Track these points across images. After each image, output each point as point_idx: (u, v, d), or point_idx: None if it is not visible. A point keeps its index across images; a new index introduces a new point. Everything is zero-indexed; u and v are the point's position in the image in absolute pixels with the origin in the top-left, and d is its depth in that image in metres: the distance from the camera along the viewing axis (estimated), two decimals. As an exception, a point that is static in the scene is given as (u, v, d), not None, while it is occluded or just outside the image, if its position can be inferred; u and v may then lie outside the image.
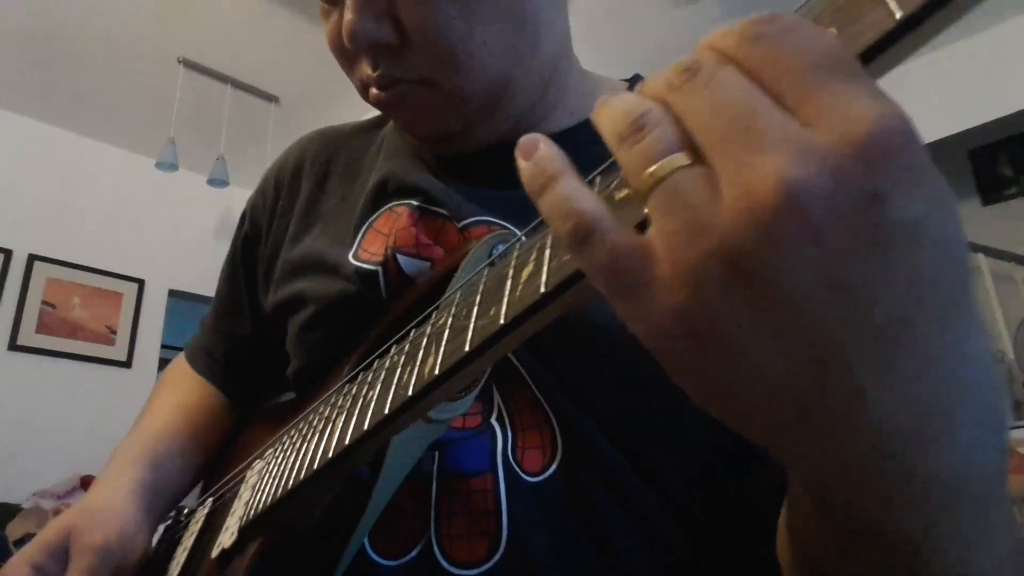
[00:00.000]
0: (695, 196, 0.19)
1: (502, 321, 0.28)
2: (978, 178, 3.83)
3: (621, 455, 0.45)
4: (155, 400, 0.74)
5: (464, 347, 0.30)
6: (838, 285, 0.18)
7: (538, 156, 0.23)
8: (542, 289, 0.26)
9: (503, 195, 0.54)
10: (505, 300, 0.28)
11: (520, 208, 0.52)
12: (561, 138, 0.54)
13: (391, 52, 0.49)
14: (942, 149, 3.39)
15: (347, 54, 0.52)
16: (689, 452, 0.45)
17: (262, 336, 0.69)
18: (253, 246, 0.70)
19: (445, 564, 0.44)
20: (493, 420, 0.48)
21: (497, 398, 0.48)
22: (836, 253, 0.17)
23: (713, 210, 0.18)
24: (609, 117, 0.22)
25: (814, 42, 0.19)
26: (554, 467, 0.45)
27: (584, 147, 0.55)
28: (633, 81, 0.62)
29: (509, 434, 0.47)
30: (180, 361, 0.78)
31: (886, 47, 0.19)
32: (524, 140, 0.24)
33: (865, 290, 0.18)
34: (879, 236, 0.17)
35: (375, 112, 0.70)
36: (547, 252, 0.27)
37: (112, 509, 0.56)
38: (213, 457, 0.70)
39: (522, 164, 0.24)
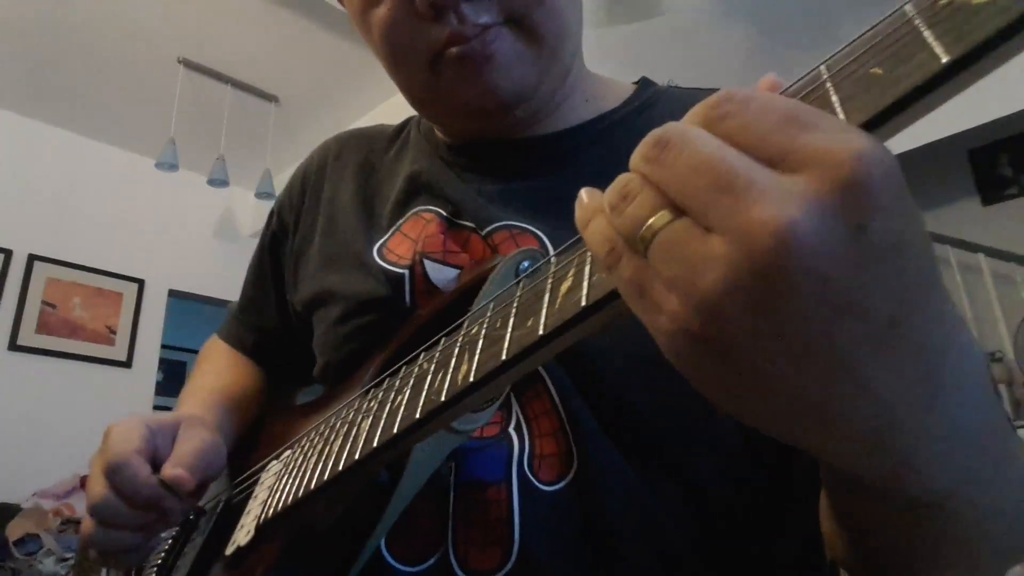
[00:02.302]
0: (687, 247, 0.21)
1: (541, 331, 0.28)
2: (978, 178, 3.83)
3: (641, 459, 0.46)
4: (201, 371, 0.76)
5: (501, 356, 0.30)
6: (839, 305, 0.20)
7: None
8: (583, 302, 0.27)
9: (525, 187, 0.56)
10: (544, 311, 0.29)
11: (538, 201, 0.54)
12: (580, 131, 0.57)
13: None
14: (942, 149, 3.39)
15: (410, 30, 0.51)
16: (720, 447, 0.46)
17: (290, 331, 0.70)
18: (280, 243, 0.72)
19: (460, 572, 0.45)
20: (511, 429, 0.48)
21: (515, 407, 0.49)
22: (832, 280, 0.19)
23: (708, 254, 0.20)
24: (584, 200, 0.26)
25: (774, 104, 0.21)
26: (570, 476, 0.46)
27: (604, 137, 0.57)
28: (641, 83, 0.63)
29: (526, 443, 0.47)
30: (215, 341, 0.80)
31: (930, 89, 0.20)
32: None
33: (863, 304, 0.20)
34: (869, 260, 0.20)
35: (375, 111, 0.71)
36: (587, 268, 0.28)
37: (208, 429, 0.58)
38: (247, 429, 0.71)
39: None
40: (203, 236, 4.06)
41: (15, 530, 2.72)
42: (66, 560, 2.67)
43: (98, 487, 0.50)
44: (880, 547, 0.33)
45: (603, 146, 0.56)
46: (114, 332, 3.70)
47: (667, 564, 0.44)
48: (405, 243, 0.56)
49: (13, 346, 3.37)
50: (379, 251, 0.57)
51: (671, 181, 0.22)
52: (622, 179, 0.24)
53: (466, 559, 0.45)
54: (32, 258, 3.53)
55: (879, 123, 0.21)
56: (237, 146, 3.63)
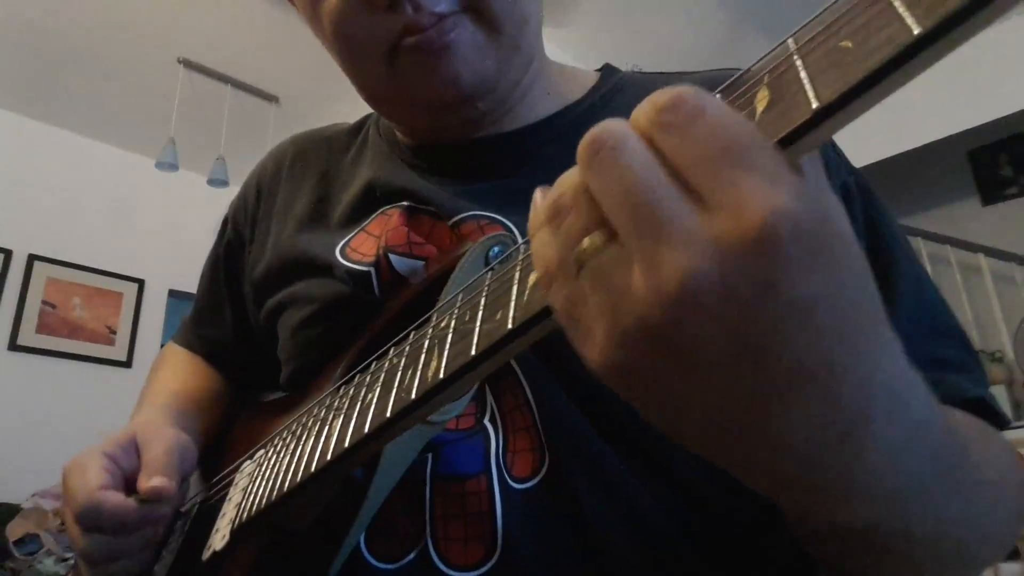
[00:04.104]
0: (614, 277, 0.21)
1: (510, 325, 0.27)
2: (978, 178, 3.83)
3: (626, 451, 0.45)
4: (157, 377, 0.73)
5: (470, 351, 0.29)
6: (740, 350, 0.20)
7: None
8: None
9: (490, 187, 0.54)
10: (512, 304, 0.28)
11: (504, 197, 0.52)
12: (544, 126, 0.56)
13: None
14: (942, 149, 3.39)
15: (362, 21, 0.49)
16: None
17: (247, 343, 0.68)
18: (236, 252, 0.70)
19: (442, 567, 0.44)
20: (486, 421, 0.47)
21: (490, 399, 0.48)
22: (737, 329, 0.20)
23: (630, 288, 0.21)
24: (537, 204, 0.26)
25: (719, 131, 0.20)
26: (542, 473, 0.45)
27: (571, 130, 0.56)
28: (604, 71, 0.62)
29: (501, 436, 0.47)
30: (171, 346, 0.78)
31: (901, 64, 0.19)
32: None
33: (767, 352, 0.20)
34: (773, 315, 0.20)
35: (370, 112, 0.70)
36: None
37: (169, 427, 0.57)
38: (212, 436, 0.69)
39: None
40: (203, 236, 4.04)
41: (15, 530, 2.72)
42: (66, 560, 2.67)
43: (76, 535, 0.49)
44: (828, 556, 0.33)
45: (568, 141, 0.54)
46: (114, 332, 3.69)
47: (654, 556, 0.44)
48: (369, 240, 0.54)
49: (13, 346, 3.37)
50: (342, 251, 0.55)
51: (601, 194, 0.22)
52: (558, 186, 0.24)
53: (448, 554, 0.44)
54: (32, 258, 3.52)
55: (850, 99, 0.20)
56: (237, 146, 3.62)
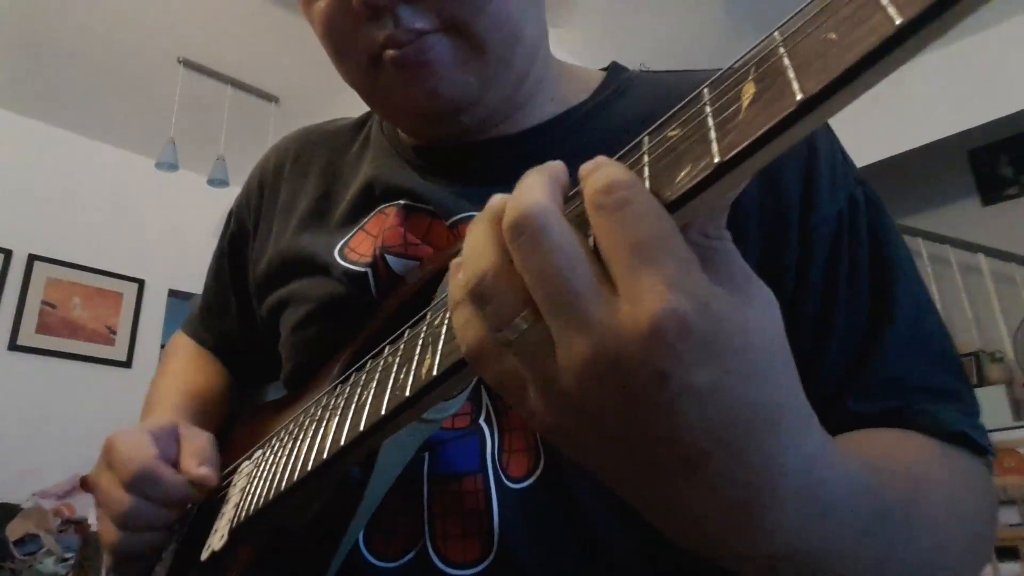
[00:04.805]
0: (539, 353, 0.24)
1: None
2: (978, 178, 3.83)
3: None
4: (168, 369, 0.74)
5: (463, 347, 0.29)
6: (642, 424, 0.23)
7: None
8: None
9: (489, 191, 0.54)
10: None
11: None
12: (547, 129, 0.55)
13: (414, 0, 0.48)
14: (942, 149, 3.39)
15: (348, 28, 0.50)
16: None
17: (254, 335, 0.68)
18: (240, 246, 0.70)
19: (441, 565, 0.44)
20: (481, 421, 0.48)
21: (485, 398, 0.48)
22: (637, 411, 0.23)
23: (554, 361, 0.24)
24: (456, 283, 0.27)
25: (640, 224, 0.22)
26: (538, 473, 0.45)
27: (572, 133, 0.55)
28: (610, 70, 0.61)
29: (496, 436, 0.47)
30: (180, 336, 0.78)
31: (884, 54, 0.19)
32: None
33: (664, 434, 0.23)
34: (667, 398, 0.22)
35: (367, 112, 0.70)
36: None
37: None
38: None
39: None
40: (203, 236, 4.05)
41: (15, 530, 2.72)
42: (66, 560, 2.68)
43: (121, 497, 0.50)
44: None
45: (571, 143, 0.54)
46: (114, 332, 3.70)
47: (652, 555, 0.44)
48: (367, 241, 0.54)
49: (13, 346, 3.37)
50: (340, 251, 0.55)
51: (523, 271, 0.24)
52: (476, 265, 0.25)
53: (446, 553, 0.45)
54: (32, 258, 3.53)
55: (835, 90, 0.20)
56: (237, 146, 3.62)
